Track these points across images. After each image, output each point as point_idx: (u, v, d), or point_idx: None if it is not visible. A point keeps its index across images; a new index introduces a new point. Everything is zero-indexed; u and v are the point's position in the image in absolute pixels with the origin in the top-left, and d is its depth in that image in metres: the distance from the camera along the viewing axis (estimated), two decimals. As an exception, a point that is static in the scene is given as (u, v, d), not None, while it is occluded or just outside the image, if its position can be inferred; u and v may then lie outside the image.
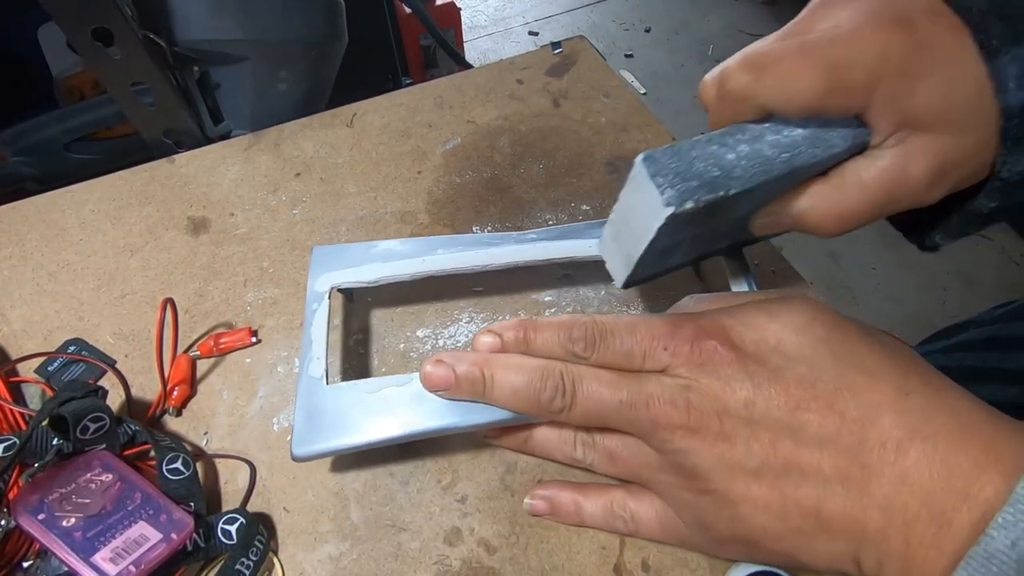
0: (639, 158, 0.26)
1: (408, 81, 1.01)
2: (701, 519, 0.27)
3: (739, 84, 0.27)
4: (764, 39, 0.28)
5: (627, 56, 2.07)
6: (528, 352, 0.29)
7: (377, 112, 0.53)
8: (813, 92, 0.26)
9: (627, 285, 0.32)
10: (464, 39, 1.49)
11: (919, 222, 0.32)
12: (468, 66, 0.92)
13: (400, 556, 0.32)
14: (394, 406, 0.31)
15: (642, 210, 0.27)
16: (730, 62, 0.28)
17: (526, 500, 0.32)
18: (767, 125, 0.28)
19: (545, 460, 0.34)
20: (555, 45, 0.57)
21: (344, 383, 0.32)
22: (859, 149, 0.28)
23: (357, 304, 0.42)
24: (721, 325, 0.26)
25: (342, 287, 0.37)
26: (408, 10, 0.97)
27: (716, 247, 0.36)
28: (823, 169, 0.28)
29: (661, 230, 0.26)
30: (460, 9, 1.26)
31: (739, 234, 0.34)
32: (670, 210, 0.25)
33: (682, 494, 0.27)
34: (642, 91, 1.94)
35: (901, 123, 0.26)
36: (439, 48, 1.10)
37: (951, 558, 0.21)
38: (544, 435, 0.31)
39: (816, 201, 0.29)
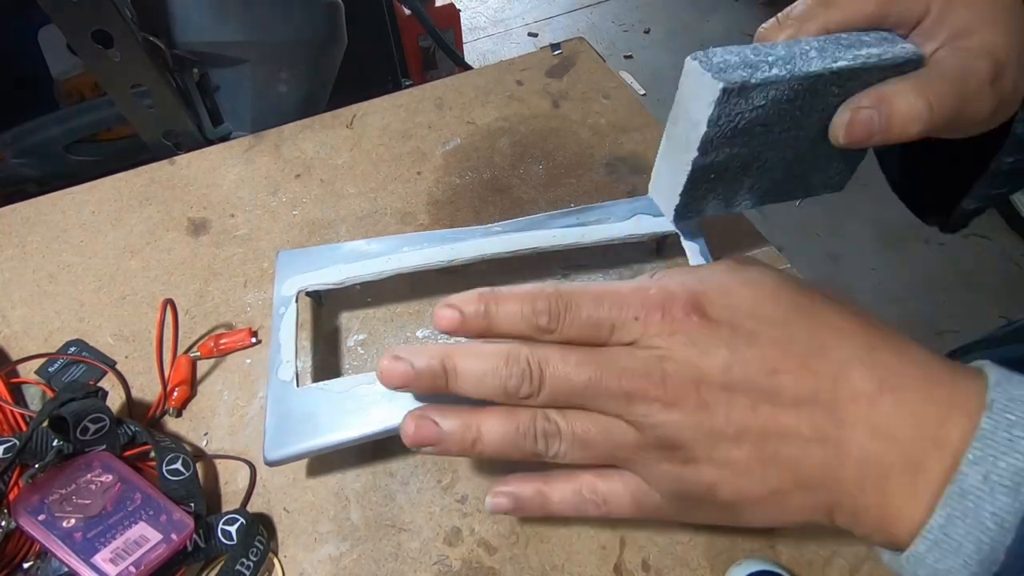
0: (689, 57, 0.28)
1: (408, 82, 1.01)
2: (681, 489, 0.26)
3: (803, 8, 0.30)
4: None
5: (626, 57, 2.07)
6: (490, 327, 0.27)
7: (377, 113, 0.53)
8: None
9: (679, 216, 0.32)
10: (464, 40, 1.49)
11: (944, 199, 0.35)
12: (468, 67, 0.92)
13: (400, 556, 0.32)
14: (365, 404, 0.31)
15: (694, 99, 0.28)
16: None
17: (488, 499, 0.29)
18: (816, 38, 0.29)
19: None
20: (555, 46, 0.57)
21: (314, 384, 0.32)
22: (909, 64, 0.29)
23: (359, 304, 0.42)
24: (691, 291, 0.25)
25: (309, 290, 0.37)
26: (407, 12, 0.98)
27: (784, 188, 0.34)
28: (879, 78, 0.29)
29: (714, 118, 0.28)
30: (459, 10, 1.26)
31: (810, 166, 0.33)
32: (720, 85, 0.26)
33: (662, 466, 0.26)
34: (641, 92, 1.94)
35: (956, 31, 0.28)
36: (439, 49, 1.10)
37: (926, 503, 0.22)
38: (496, 435, 0.26)
39: (902, 87, 0.29)
